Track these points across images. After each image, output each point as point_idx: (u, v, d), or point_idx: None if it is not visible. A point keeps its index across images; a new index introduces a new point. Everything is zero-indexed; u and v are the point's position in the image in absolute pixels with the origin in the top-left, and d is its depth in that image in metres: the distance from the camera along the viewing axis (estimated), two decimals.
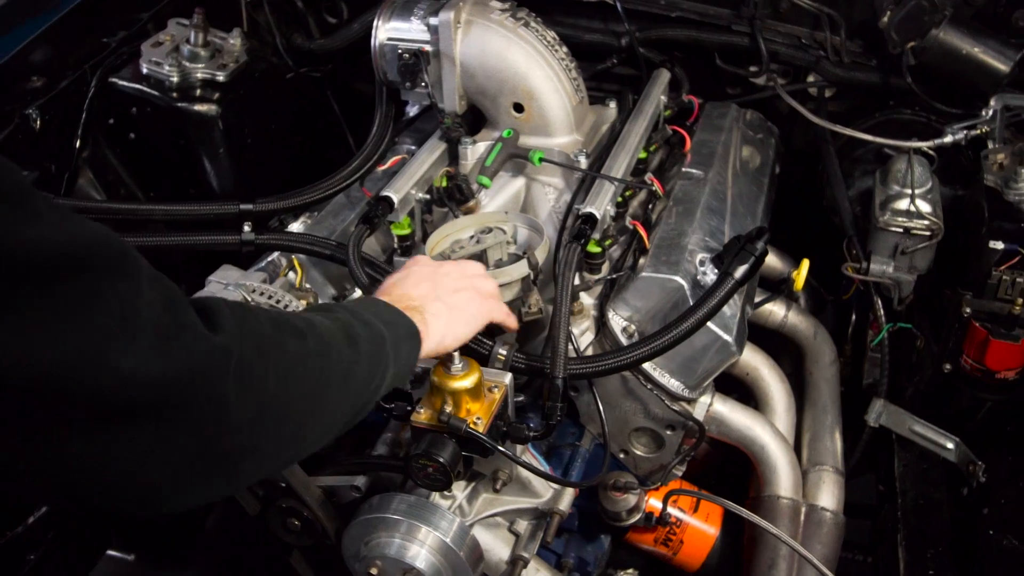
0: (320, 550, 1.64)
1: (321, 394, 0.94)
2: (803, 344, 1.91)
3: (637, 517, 1.63)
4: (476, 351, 1.38)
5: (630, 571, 1.77)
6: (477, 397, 1.32)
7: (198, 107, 1.91)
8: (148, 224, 1.66)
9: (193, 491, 0.79)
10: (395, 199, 1.60)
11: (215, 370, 0.77)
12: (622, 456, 1.68)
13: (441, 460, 1.27)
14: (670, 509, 1.69)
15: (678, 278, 1.51)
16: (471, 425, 1.28)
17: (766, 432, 1.65)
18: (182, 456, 0.75)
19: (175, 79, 1.89)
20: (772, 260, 1.96)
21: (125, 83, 1.90)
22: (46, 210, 0.67)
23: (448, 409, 1.29)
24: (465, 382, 1.29)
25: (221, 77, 1.93)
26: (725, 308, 1.51)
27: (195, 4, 1.96)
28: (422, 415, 1.32)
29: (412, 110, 2.01)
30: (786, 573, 1.58)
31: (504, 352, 1.39)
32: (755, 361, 1.79)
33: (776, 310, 1.92)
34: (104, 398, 0.69)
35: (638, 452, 1.66)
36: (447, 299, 1.25)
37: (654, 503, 1.71)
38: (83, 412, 0.68)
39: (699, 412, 1.61)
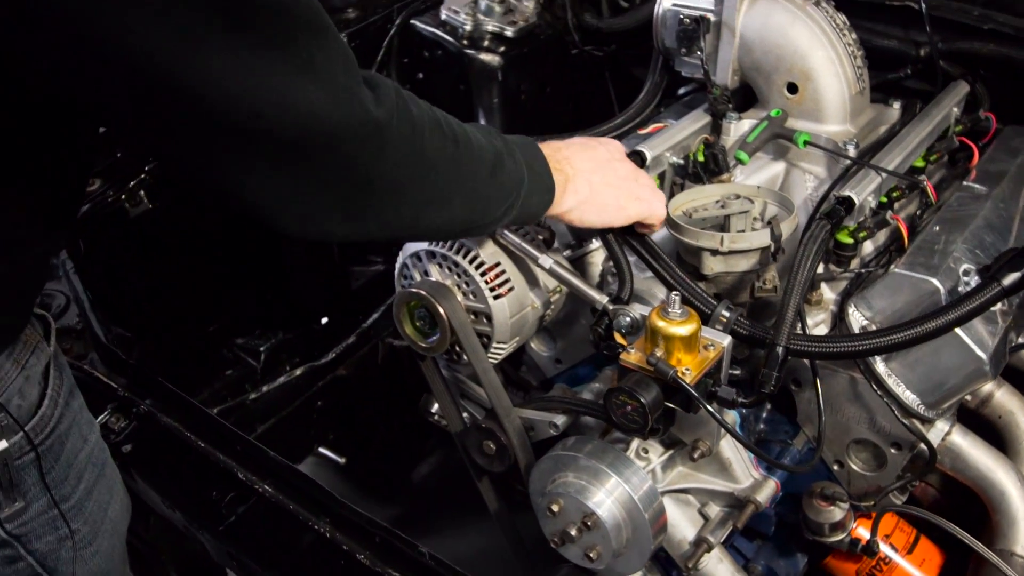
0: (507, 485, 1.67)
1: (447, 196, 1.05)
2: None
3: (840, 537, 1.51)
4: (699, 309, 1.35)
5: None
6: (691, 350, 1.28)
7: (483, 56, 2.03)
8: None
9: (315, 220, 0.91)
10: (648, 155, 1.60)
11: (369, 134, 0.87)
12: (835, 468, 1.56)
13: (642, 400, 1.25)
14: (881, 545, 1.56)
15: (935, 280, 1.38)
16: (679, 374, 1.25)
17: (1010, 478, 1.47)
18: (316, 190, 0.87)
19: (468, 27, 2.02)
20: None
21: (424, 26, 2.06)
22: None
23: (659, 354, 1.27)
24: (681, 329, 1.26)
25: (509, 32, 2.04)
26: (983, 323, 1.37)
27: None
28: (632, 355, 1.30)
29: (683, 91, 2.02)
30: None
31: (727, 314, 1.34)
32: (1012, 405, 1.60)
33: None
34: (278, 127, 0.80)
35: (854, 467, 1.53)
36: (598, 186, 1.32)
37: (863, 532, 1.57)
38: (261, 134, 0.80)
39: (933, 438, 1.47)
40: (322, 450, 2.02)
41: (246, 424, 1.84)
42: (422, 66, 2.10)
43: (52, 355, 1.14)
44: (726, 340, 1.31)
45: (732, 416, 1.50)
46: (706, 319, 1.34)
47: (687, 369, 1.26)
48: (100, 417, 1.31)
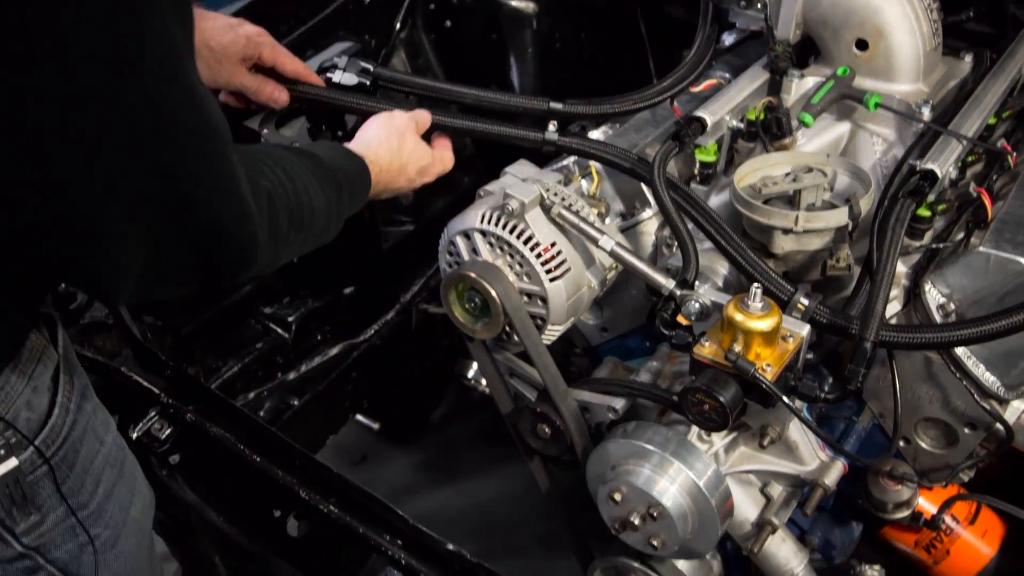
0: (558, 464, 1.63)
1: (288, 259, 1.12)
2: None
3: (904, 514, 1.48)
4: (776, 295, 1.27)
5: (876, 567, 1.62)
6: (770, 343, 1.21)
7: (516, 3, 1.89)
8: (451, 106, 1.65)
9: (158, 293, 0.94)
10: (709, 120, 1.50)
11: (252, 246, 0.93)
12: (901, 444, 1.51)
13: (721, 400, 1.19)
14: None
15: None
16: (759, 370, 1.18)
17: None
18: (180, 272, 0.90)
19: None
20: None
21: None
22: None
23: (737, 348, 1.20)
24: (762, 323, 1.19)
25: None
26: None
27: None
28: (706, 348, 1.23)
29: (728, 39, 1.89)
30: None
31: (806, 302, 1.27)
32: None
33: None
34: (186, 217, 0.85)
35: (922, 444, 1.49)
36: (400, 184, 1.42)
37: (924, 504, 1.54)
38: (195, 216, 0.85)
39: (1010, 417, 1.41)
40: (358, 417, 1.97)
41: (282, 400, 1.77)
42: (450, 13, 1.95)
43: (61, 358, 1.07)
44: (805, 330, 1.24)
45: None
46: (783, 305, 1.27)
47: (768, 365, 1.20)
48: (142, 424, 1.23)
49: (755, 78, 1.62)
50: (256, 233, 0.93)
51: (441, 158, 1.49)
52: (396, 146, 1.40)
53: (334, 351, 1.80)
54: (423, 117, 1.49)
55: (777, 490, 1.48)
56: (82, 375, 1.12)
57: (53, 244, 0.82)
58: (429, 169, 1.46)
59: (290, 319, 1.85)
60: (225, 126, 0.86)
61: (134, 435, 1.25)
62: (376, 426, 2.14)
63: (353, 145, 1.36)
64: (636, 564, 1.48)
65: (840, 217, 1.33)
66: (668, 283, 1.33)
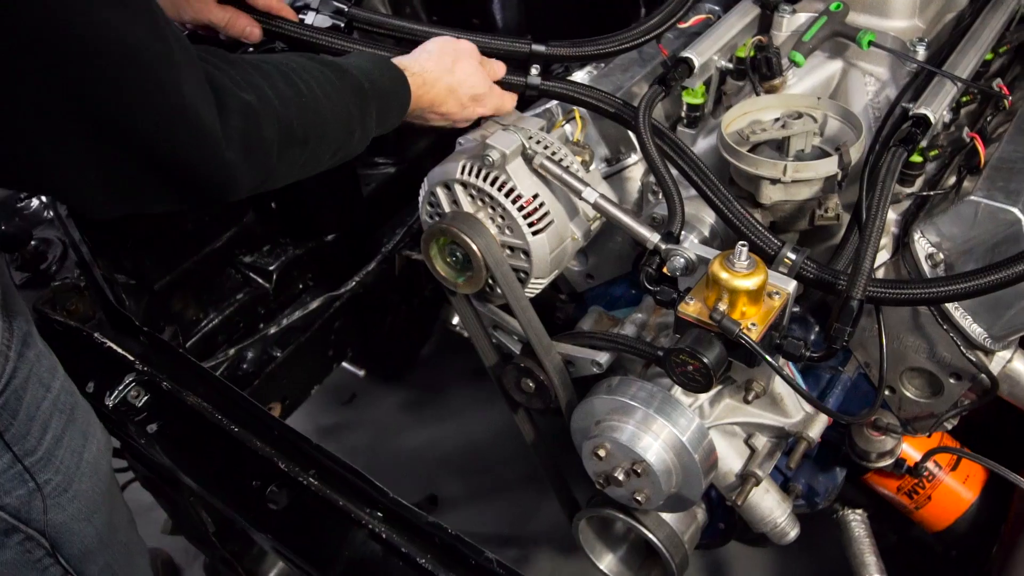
0: (544, 415, 1.62)
1: (303, 174, 1.09)
2: None
3: (887, 463, 1.49)
4: (762, 250, 1.24)
5: (859, 511, 1.63)
6: (756, 301, 1.18)
7: None
8: None
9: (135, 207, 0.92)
10: (696, 62, 1.44)
11: (217, 163, 0.89)
12: (886, 393, 1.50)
13: (705, 360, 1.17)
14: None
15: (1016, 211, 1.26)
16: (744, 330, 1.16)
17: None
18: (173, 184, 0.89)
19: None
20: None
21: None
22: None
23: (722, 307, 1.17)
24: (748, 282, 1.16)
25: None
26: None
27: None
28: (691, 307, 1.21)
29: None
30: None
31: (793, 257, 1.24)
32: None
33: None
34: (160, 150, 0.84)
35: (907, 394, 1.48)
36: (449, 106, 1.33)
37: (908, 450, 1.55)
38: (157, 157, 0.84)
39: (995, 366, 1.40)
40: (344, 364, 1.96)
41: (265, 351, 1.75)
42: None
43: None
44: (791, 286, 1.21)
45: None
46: (769, 260, 1.24)
47: (753, 324, 1.17)
48: (118, 391, 1.21)
49: (745, 13, 1.55)
50: (219, 150, 0.88)
51: (501, 92, 1.41)
52: (449, 65, 1.32)
53: (315, 304, 1.77)
54: (498, 64, 1.42)
55: (762, 441, 1.48)
56: (24, 322, 1.10)
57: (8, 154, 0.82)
58: (485, 99, 1.38)
59: (271, 268, 1.81)
60: (161, 44, 0.82)
61: (110, 403, 1.23)
62: (362, 373, 2.14)
63: (401, 57, 1.29)
64: (621, 515, 1.49)
65: (830, 167, 1.29)
66: (653, 237, 1.29)
